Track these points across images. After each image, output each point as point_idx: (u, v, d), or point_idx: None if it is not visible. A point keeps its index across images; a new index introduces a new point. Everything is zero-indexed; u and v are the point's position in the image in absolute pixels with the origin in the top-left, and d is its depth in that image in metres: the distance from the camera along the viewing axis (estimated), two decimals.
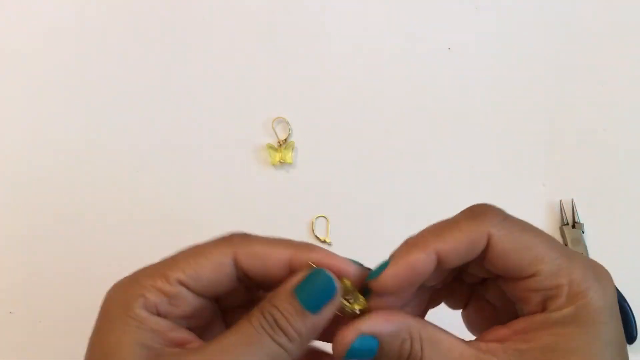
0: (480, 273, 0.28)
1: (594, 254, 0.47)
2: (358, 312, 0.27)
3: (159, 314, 0.26)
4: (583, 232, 0.47)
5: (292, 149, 0.50)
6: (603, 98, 0.52)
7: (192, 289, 0.27)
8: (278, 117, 0.50)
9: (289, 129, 0.50)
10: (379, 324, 0.26)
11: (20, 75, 0.52)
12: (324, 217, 0.49)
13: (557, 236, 0.48)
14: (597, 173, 0.50)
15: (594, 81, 0.52)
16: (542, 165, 0.50)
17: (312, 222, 0.48)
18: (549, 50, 0.53)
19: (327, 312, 0.26)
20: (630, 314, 0.45)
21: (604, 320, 0.24)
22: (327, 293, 0.26)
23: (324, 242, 0.48)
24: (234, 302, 0.29)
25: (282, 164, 0.49)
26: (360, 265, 0.29)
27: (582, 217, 0.48)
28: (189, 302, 0.26)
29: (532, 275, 0.25)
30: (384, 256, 0.49)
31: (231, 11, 0.53)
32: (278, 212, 0.49)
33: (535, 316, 0.25)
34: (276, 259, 0.27)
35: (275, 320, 0.25)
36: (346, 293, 0.27)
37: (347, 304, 0.27)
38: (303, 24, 0.53)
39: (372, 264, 0.49)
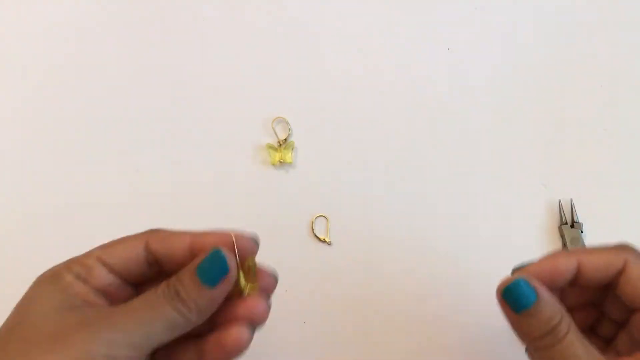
0: (617, 310, 0.31)
1: None
2: (247, 292, 0.32)
3: (78, 278, 0.30)
4: (582, 232, 0.47)
5: (292, 148, 0.50)
6: (603, 98, 0.52)
7: (107, 263, 0.31)
8: (278, 117, 0.50)
9: (289, 129, 0.50)
10: (545, 288, 0.30)
11: (20, 74, 0.52)
12: (324, 216, 0.49)
13: (556, 236, 0.48)
14: (596, 173, 0.50)
15: (594, 81, 0.52)
16: (542, 165, 0.50)
17: (312, 222, 0.48)
18: (548, 50, 0.53)
19: (223, 287, 0.30)
20: None
21: None
22: (221, 270, 0.30)
23: (324, 241, 0.48)
24: (146, 287, 0.33)
25: (282, 164, 0.50)
26: (254, 239, 0.33)
27: (581, 217, 0.48)
28: (104, 275, 0.31)
29: (625, 265, 0.29)
30: (384, 256, 0.50)
31: (231, 11, 0.53)
32: (278, 212, 0.49)
33: None
34: (179, 241, 0.32)
35: (177, 292, 0.29)
36: (248, 271, 0.32)
37: (243, 281, 0.32)
38: (303, 23, 0.53)
39: (372, 264, 0.49)
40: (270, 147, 0.49)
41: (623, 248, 0.30)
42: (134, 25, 0.53)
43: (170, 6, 0.53)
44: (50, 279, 0.30)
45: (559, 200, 0.48)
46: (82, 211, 0.49)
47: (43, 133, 0.50)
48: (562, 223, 0.48)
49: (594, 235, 0.48)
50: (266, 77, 0.52)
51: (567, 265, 0.31)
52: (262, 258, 0.49)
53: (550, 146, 0.51)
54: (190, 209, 0.49)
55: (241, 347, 0.31)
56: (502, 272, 0.48)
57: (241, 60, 0.52)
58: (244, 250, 0.32)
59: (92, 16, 0.53)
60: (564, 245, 0.47)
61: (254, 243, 0.33)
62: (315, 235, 0.48)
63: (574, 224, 0.48)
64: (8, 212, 0.48)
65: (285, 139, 0.50)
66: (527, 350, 0.32)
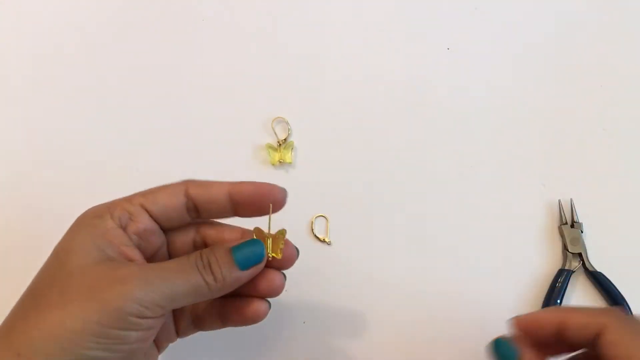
0: None
1: (593, 253, 0.47)
2: (271, 257, 0.34)
3: (120, 225, 0.32)
4: (582, 232, 0.47)
5: (292, 148, 0.50)
6: (603, 98, 0.52)
7: (150, 210, 0.33)
8: (278, 117, 0.50)
9: (289, 129, 0.50)
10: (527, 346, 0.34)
11: (19, 74, 0.52)
12: (324, 216, 0.49)
13: (556, 236, 0.48)
14: (596, 173, 0.50)
15: (593, 81, 0.52)
16: (542, 165, 0.50)
17: (312, 222, 0.48)
18: (548, 50, 0.53)
19: (251, 272, 0.33)
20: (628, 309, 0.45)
21: None
22: (257, 258, 0.33)
23: (324, 241, 0.48)
24: (180, 238, 0.35)
25: (282, 163, 0.50)
26: (285, 191, 0.36)
27: (581, 217, 0.48)
28: (145, 220, 0.33)
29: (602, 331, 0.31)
30: (384, 256, 0.50)
31: (231, 11, 0.53)
32: (278, 212, 0.49)
33: None
34: (218, 187, 0.34)
35: (209, 263, 0.31)
36: (276, 240, 0.35)
37: (269, 249, 0.34)
38: (303, 24, 0.53)
39: (372, 263, 0.49)
40: (270, 147, 0.49)
41: (607, 312, 0.32)
42: (134, 26, 0.53)
43: (170, 6, 0.53)
44: (92, 222, 0.32)
45: (559, 200, 0.48)
46: (81, 211, 0.49)
47: (43, 133, 0.50)
48: (562, 223, 0.48)
49: (594, 234, 0.48)
50: (266, 77, 0.52)
51: (547, 320, 0.33)
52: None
53: (550, 146, 0.51)
54: None
55: (259, 318, 0.35)
56: (503, 273, 0.48)
57: (241, 60, 0.52)
58: (275, 203, 0.35)
59: (91, 16, 0.53)
60: (564, 245, 0.47)
61: (285, 195, 0.35)
62: (315, 235, 0.48)
63: (573, 224, 0.48)
64: (8, 212, 0.48)
65: (285, 139, 0.50)
66: None
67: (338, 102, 0.51)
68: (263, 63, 0.52)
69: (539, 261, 0.48)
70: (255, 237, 0.34)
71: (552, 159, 0.50)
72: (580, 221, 0.48)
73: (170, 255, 0.36)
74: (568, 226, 0.48)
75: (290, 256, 0.35)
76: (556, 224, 0.48)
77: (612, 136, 0.51)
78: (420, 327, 0.44)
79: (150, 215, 0.33)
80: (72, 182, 0.49)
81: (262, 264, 0.33)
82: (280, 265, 0.35)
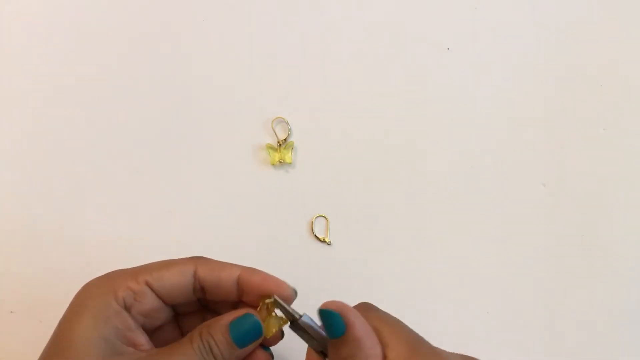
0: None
1: (594, 253, 0.47)
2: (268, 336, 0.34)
3: (125, 306, 0.31)
4: None
5: (292, 149, 0.50)
6: (603, 98, 0.52)
7: (156, 290, 0.32)
8: (278, 117, 0.50)
9: (289, 129, 0.50)
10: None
11: (19, 76, 0.52)
12: (324, 217, 0.49)
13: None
14: (596, 173, 0.50)
15: (594, 81, 0.52)
16: (542, 165, 0.50)
17: (312, 222, 0.48)
18: (548, 50, 0.53)
19: (250, 348, 0.33)
20: None
21: None
22: (254, 335, 0.33)
23: (324, 241, 0.48)
24: (186, 308, 0.36)
25: (282, 164, 0.50)
26: (294, 290, 0.35)
27: (581, 217, 0.48)
28: (150, 301, 0.32)
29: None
30: (384, 256, 0.50)
31: (231, 12, 0.53)
32: (278, 212, 0.49)
33: None
34: (228, 273, 0.34)
35: (210, 347, 0.32)
36: (271, 308, 0.34)
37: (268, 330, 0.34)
38: (302, 23, 0.53)
39: (372, 264, 0.49)
40: (270, 147, 0.49)
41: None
42: (133, 26, 0.53)
43: (170, 6, 0.53)
44: (96, 304, 0.31)
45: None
46: (82, 211, 0.49)
47: (43, 133, 0.50)
48: None
49: (594, 235, 0.48)
50: (266, 77, 0.52)
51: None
52: (263, 258, 0.49)
53: (550, 146, 0.51)
54: (190, 209, 0.49)
55: None
56: (502, 272, 0.48)
57: (241, 60, 0.52)
58: (282, 300, 0.34)
59: (90, 16, 0.53)
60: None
61: (293, 294, 0.35)
62: (315, 235, 0.48)
63: None
64: (8, 212, 0.48)
65: (285, 139, 0.50)
66: None
67: (338, 102, 0.51)
68: (263, 63, 0.52)
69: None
70: (251, 312, 0.33)
71: (552, 159, 0.50)
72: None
73: (178, 320, 0.36)
74: None
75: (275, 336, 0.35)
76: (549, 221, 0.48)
77: (612, 136, 0.51)
78: (420, 327, 0.44)
79: (156, 294, 0.33)
80: (72, 182, 0.49)
81: (260, 340, 0.33)
82: (266, 342, 0.35)
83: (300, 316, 0.33)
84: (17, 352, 0.46)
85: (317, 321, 0.33)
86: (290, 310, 0.33)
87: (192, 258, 0.34)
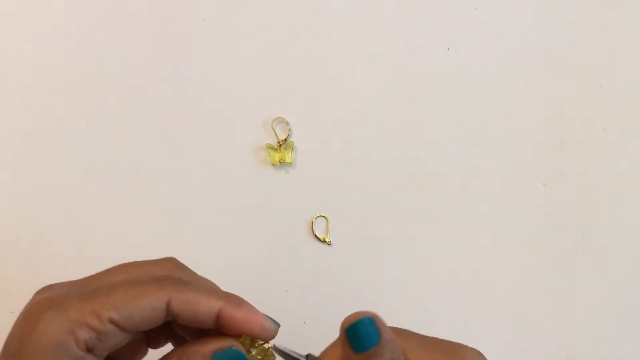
0: None
1: (594, 253, 0.47)
2: None
3: (87, 349, 0.27)
4: None
5: (292, 149, 0.50)
6: (603, 98, 0.52)
7: (122, 327, 0.28)
8: (278, 117, 0.50)
9: (289, 129, 0.50)
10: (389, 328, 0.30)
11: (19, 75, 0.52)
12: (324, 217, 0.49)
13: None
14: (596, 173, 0.50)
15: (594, 81, 0.52)
16: (542, 165, 0.50)
17: (312, 222, 0.48)
18: (548, 50, 0.53)
19: None
20: None
21: None
22: None
23: (324, 241, 0.48)
24: (158, 334, 0.32)
25: (282, 164, 0.50)
26: (277, 324, 0.31)
27: (581, 217, 0.48)
28: (116, 337, 0.28)
29: None
30: (384, 256, 0.50)
31: (231, 12, 0.53)
32: (278, 212, 0.49)
33: None
34: (207, 308, 0.29)
35: None
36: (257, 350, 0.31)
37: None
38: (302, 23, 0.53)
39: (372, 264, 0.49)
40: (270, 147, 0.49)
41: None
42: (133, 26, 0.53)
43: (170, 7, 0.53)
44: (55, 352, 0.26)
45: None
46: (82, 211, 0.49)
47: (43, 133, 0.50)
48: None
49: (594, 235, 0.48)
50: (266, 77, 0.52)
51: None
52: (263, 258, 0.49)
53: (550, 146, 0.51)
54: (190, 209, 0.49)
55: None
56: (502, 272, 0.48)
57: (241, 60, 0.52)
58: (263, 338, 0.31)
59: (90, 16, 0.53)
60: None
61: (275, 332, 0.31)
62: (315, 235, 0.48)
63: None
64: (8, 212, 0.48)
65: (285, 139, 0.50)
66: None
67: (338, 102, 0.51)
68: (263, 63, 0.52)
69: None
70: (236, 346, 0.30)
71: (552, 159, 0.50)
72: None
73: (149, 339, 0.33)
74: None
75: None
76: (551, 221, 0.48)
77: (612, 136, 0.51)
78: (420, 327, 0.44)
79: (121, 329, 0.28)
80: (72, 182, 0.49)
81: None
82: None
83: (306, 357, 0.31)
84: None
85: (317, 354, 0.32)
86: (294, 355, 0.31)
87: (162, 283, 0.29)
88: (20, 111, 0.51)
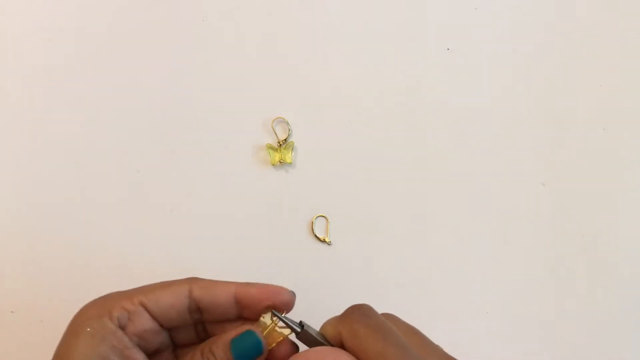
0: None
1: (594, 253, 0.47)
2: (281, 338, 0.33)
3: (119, 325, 0.31)
4: None
5: (292, 149, 0.50)
6: (603, 98, 0.52)
7: (150, 310, 0.32)
8: (278, 117, 0.50)
9: (289, 129, 0.50)
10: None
11: (19, 74, 0.52)
12: (324, 217, 0.49)
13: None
14: (596, 173, 0.50)
15: (593, 81, 0.52)
16: (542, 165, 0.50)
17: (312, 222, 0.49)
18: (548, 51, 0.53)
19: None
20: None
21: None
22: (255, 352, 0.32)
23: (324, 241, 0.48)
24: (183, 336, 0.35)
25: (282, 164, 0.50)
26: (292, 292, 0.35)
27: (582, 217, 0.48)
28: (145, 321, 0.32)
29: None
30: (384, 256, 0.50)
31: (231, 12, 0.53)
32: (278, 212, 0.49)
33: None
34: (224, 291, 0.33)
35: None
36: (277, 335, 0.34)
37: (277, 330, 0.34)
38: (302, 24, 0.53)
39: (372, 264, 0.49)
40: (270, 147, 0.50)
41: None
42: (133, 26, 0.53)
43: (170, 7, 0.53)
44: (91, 325, 0.31)
45: None
46: (82, 211, 0.49)
47: (43, 133, 0.50)
48: None
49: (594, 235, 0.48)
50: (266, 77, 0.52)
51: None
52: (263, 258, 0.49)
53: (550, 146, 0.51)
54: (190, 210, 0.49)
55: None
56: (502, 272, 0.48)
57: (241, 60, 0.52)
58: (283, 305, 0.34)
59: (91, 16, 0.53)
60: None
61: (292, 297, 0.35)
62: (315, 235, 0.48)
63: None
64: (8, 212, 0.49)
65: (285, 139, 0.50)
66: None
67: (338, 103, 0.51)
68: (263, 63, 0.52)
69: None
70: (253, 329, 0.33)
71: (552, 159, 0.50)
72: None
73: (175, 350, 0.36)
74: None
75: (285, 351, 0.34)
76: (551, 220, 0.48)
77: (612, 136, 0.51)
78: (420, 326, 0.44)
79: (151, 315, 0.33)
80: (73, 182, 0.49)
81: (263, 357, 0.33)
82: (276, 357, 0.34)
83: (302, 327, 0.33)
84: (17, 352, 0.46)
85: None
86: (290, 324, 0.33)
87: (186, 279, 0.34)
88: (20, 111, 0.51)
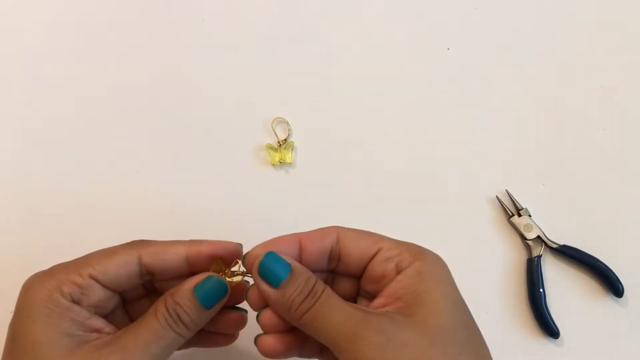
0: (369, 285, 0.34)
1: (596, 254, 0.47)
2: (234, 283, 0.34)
3: (72, 301, 0.31)
4: (530, 216, 0.48)
5: (292, 149, 0.50)
6: (603, 98, 0.52)
7: (101, 282, 0.32)
8: (278, 117, 0.50)
9: (289, 129, 0.50)
10: (293, 256, 0.33)
11: (19, 74, 0.52)
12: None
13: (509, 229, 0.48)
14: (596, 173, 0.50)
15: (593, 81, 0.52)
16: (542, 165, 0.50)
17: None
18: (548, 51, 0.53)
19: (217, 308, 0.33)
20: (609, 270, 0.47)
21: (441, 267, 0.33)
22: (220, 294, 0.33)
23: None
24: (133, 294, 0.35)
25: (282, 164, 0.50)
26: (239, 243, 0.35)
27: (582, 217, 0.48)
28: (97, 293, 0.32)
29: (378, 250, 0.33)
30: None
31: (231, 12, 0.53)
32: (278, 212, 0.49)
33: (396, 277, 0.32)
34: (174, 253, 0.34)
35: (178, 315, 0.32)
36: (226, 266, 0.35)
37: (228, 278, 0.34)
38: (302, 24, 0.53)
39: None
40: (270, 147, 0.49)
41: (332, 227, 0.34)
42: (133, 27, 0.53)
43: (170, 7, 0.53)
44: (45, 306, 0.31)
45: (497, 197, 0.49)
46: (82, 211, 0.49)
47: (42, 134, 0.50)
48: (509, 216, 0.48)
49: (594, 235, 0.48)
50: (266, 77, 0.52)
51: (287, 243, 0.33)
52: None
53: (550, 146, 0.51)
54: (190, 210, 0.49)
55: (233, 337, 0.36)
56: (502, 272, 0.48)
57: (241, 60, 0.52)
58: (230, 255, 0.34)
59: (91, 17, 0.53)
60: (521, 235, 0.48)
61: (239, 248, 0.35)
62: None
63: (519, 213, 0.48)
64: (8, 212, 0.48)
65: (285, 139, 0.50)
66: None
67: (338, 102, 0.51)
68: (263, 63, 0.52)
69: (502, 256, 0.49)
70: (210, 274, 0.33)
71: (552, 159, 0.50)
72: (524, 207, 0.48)
73: (126, 303, 0.36)
74: (515, 217, 0.48)
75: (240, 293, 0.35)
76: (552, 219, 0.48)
77: (612, 136, 0.51)
78: None
79: (102, 285, 0.33)
80: (72, 183, 0.49)
81: (226, 299, 0.33)
82: (231, 301, 0.35)
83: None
84: None
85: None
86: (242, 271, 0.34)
87: (132, 243, 0.34)
88: (20, 111, 0.51)
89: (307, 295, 0.30)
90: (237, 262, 0.34)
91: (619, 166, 0.50)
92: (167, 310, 0.32)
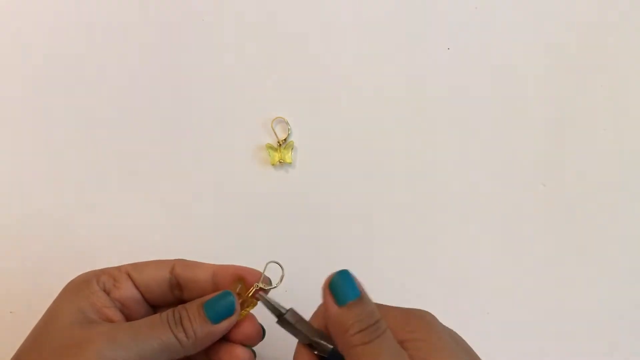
0: None
1: (594, 254, 0.47)
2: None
3: (104, 289, 0.34)
4: None
5: (292, 149, 0.50)
6: (603, 98, 0.52)
7: (133, 279, 0.35)
8: (277, 117, 0.50)
9: (289, 129, 0.50)
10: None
11: (19, 74, 0.52)
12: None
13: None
14: (596, 173, 0.50)
15: (594, 81, 0.52)
16: (542, 165, 0.50)
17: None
18: (548, 50, 0.53)
19: (224, 325, 0.33)
20: None
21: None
22: (228, 310, 0.33)
23: None
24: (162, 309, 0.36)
25: (282, 164, 0.50)
26: (263, 275, 0.36)
27: (582, 218, 0.48)
28: (127, 287, 0.34)
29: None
30: (384, 255, 0.50)
31: (231, 12, 0.53)
32: (277, 212, 0.49)
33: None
34: (203, 269, 0.36)
35: (180, 318, 0.32)
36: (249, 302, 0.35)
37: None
38: (303, 23, 0.53)
39: (372, 264, 0.49)
40: (270, 147, 0.49)
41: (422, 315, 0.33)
42: (133, 27, 0.53)
43: (170, 7, 0.53)
44: (78, 286, 0.34)
45: None
46: (82, 212, 0.49)
47: (42, 134, 0.50)
48: None
49: (594, 235, 0.48)
50: (266, 77, 0.52)
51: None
52: (263, 258, 0.49)
53: (550, 146, 0.51)
54: (190, 209, 0.49)
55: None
56: (502, 272, 0.48)
57: (241, 60, 0.52)
58: (252, 277, 0.36)
59: (90, 17, 0.53)
60: None
61: (260, 277, 0.36)
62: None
63: None
64: (8, 212, 0.48)
65: (285, 139, 0.50)
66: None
67: (338, 102, 0.51)
68: (263, 63, 0.52)
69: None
70: (228, 290, 0.34)
71: (552, 159, 0.50)
72: None
73: None
74: None
75: (250, 335, 0.35)
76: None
77: (612, 136, 0.51)
78: None
79: (135, 284, 0.35)
80: (72, 183, 0.49)
81: (235, 317, 0.34)
82: (243, 340, 0.35)
83: (287, 311, 0.33)
84: None
85: (303, 315, 0.33)
86: (276, 306, 0.33)
87: (173, 259, 0.36)
88: (20, 111, 0.51)
89: (368, 327, 0.30)
90: (254, 287, 0.35)
91: (619, 166, 0.50)
92: (173, 311, 0.33)
